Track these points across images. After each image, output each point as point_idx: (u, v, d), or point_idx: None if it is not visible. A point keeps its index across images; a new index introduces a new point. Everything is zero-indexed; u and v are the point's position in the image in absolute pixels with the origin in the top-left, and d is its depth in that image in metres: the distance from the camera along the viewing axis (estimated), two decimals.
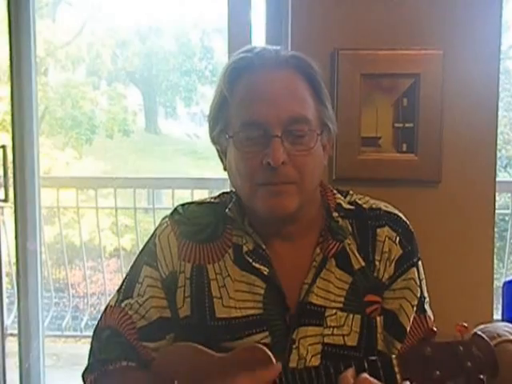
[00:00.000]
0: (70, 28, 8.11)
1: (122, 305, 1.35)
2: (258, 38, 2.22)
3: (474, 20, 1.92)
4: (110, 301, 1.40)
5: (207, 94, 9.19)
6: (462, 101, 1.93)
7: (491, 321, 1.85)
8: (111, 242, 5.59)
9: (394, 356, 1.12)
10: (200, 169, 8.65)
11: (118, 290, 1.39)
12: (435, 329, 1.12)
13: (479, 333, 1.10)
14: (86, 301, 4.89)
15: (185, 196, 4.62)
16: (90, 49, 8.48)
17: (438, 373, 1.09)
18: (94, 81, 8.56)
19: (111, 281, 5.13)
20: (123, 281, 1.40)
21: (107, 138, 8.15)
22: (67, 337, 4.62)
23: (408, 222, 1.37)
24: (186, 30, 9.07)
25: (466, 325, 1.10)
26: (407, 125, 1.94)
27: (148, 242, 1.39)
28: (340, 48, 1.92)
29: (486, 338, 1.10)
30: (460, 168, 1.95)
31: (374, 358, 1.17)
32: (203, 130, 9.58)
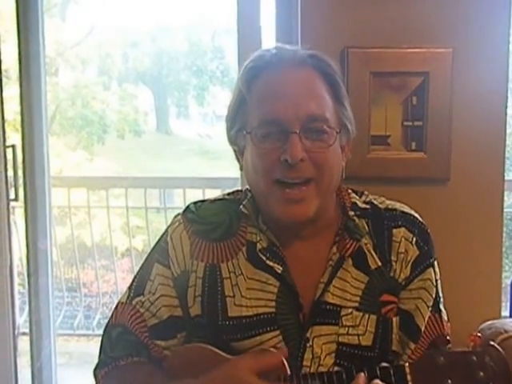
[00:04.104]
0: (80, 28, 8.11)
1: (133, 302, 1.35)
2: (268, 37, 2.22)
3: (483, 18, 1.92)
4: (121, 298, 1.39)
5: (218, 93, 9.20)
6: (471, 99, 1.93)
7: (499, 317, 1.85)
8: (123, 242, 5.60)
9: (406, 364, 1.12)
10: (212, 168, 8.66)
11: (129, 287, 1.38)
12: (449, 337, 1.12)
13: (493, 343, 1.10)
14: (98, 300, 4.92)
15: (196, 196, 4.63)
16: (101, 49, 8.49)
17: (449, 381, 1.08)
18: (105, 81, 8.57)
19: (124, 280, 5.14)
20: (134, 278, 1.39)
21: (118, 139, 8.16)
22: (79, 336, 4.64)
23: (424, 223, 1.36)
24: (197, 29, 9.08)
25: (479, 335, 1.10)
26: (416, 123, 1.94)
27: (160, 239, 1.38)
28: (349, 46, 1.93)
29: (499, 348, 1.10)
30: (469, 166, 1.95)
31: (386, 365, 1.16)
32: (215, 130, 9.61)
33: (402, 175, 1.95)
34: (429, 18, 1.93)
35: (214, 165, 8.82)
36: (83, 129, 7.82)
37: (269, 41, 2.23)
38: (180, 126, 10.04)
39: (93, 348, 4.18)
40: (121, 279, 5.00)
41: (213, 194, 4.38)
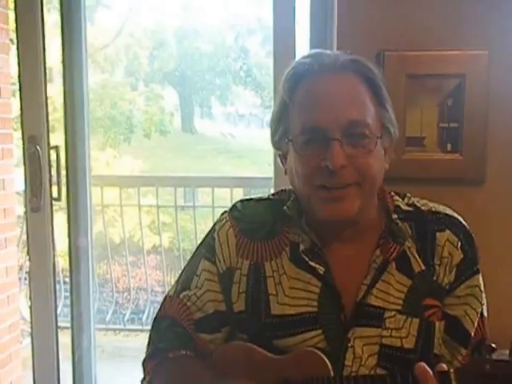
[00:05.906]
0: (109, 30, 8.20)
1: (181, 296, 1.38)
2: (303, 41, 2.24)
3: None
4: (168, 291, 1.42)
5: (242, 93, 9.24)
6: (508, 101, 1.94)
7: None
8: (149, 239, 5.66)
9: (451, 370, 1.10)
10: (235, 167, 8.71)
11: (177, 281, 1.42)
12: (494, 345, 1.11)
13: None
14: (125, 295, 4.97)
15: (223, 195, 4.69)
16: (128, 50, 8.57)
17: None
18: (132, 82, 8.65)
19: (149, 276, 5.19)
20: (182, 272, 1.42)
21: (144, 138, 8.23)
22: (109, 330, 4.69)
23: (467, 226, 1.35)
24: (222, 31, 9.12)
25: None
26: (452, 125, 1.95)
27: (207, 235, 1.41)
28: (385, 49, 1.94)
29: None
30: (505, 167, 1.96)
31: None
32: (237, 129, 9.67)
33: (437, 176, 1.96)
34: (464, 20, 1.93)
35: (236, 163, 8.87)
36: (111, 129, 7.89)
37: (304, 45, 2.25)
38: (204, 125, 10.09)
39: (122, 342, 4.25)
40: (147, 275, 5.06)
41: (240, 193, 4.43)
